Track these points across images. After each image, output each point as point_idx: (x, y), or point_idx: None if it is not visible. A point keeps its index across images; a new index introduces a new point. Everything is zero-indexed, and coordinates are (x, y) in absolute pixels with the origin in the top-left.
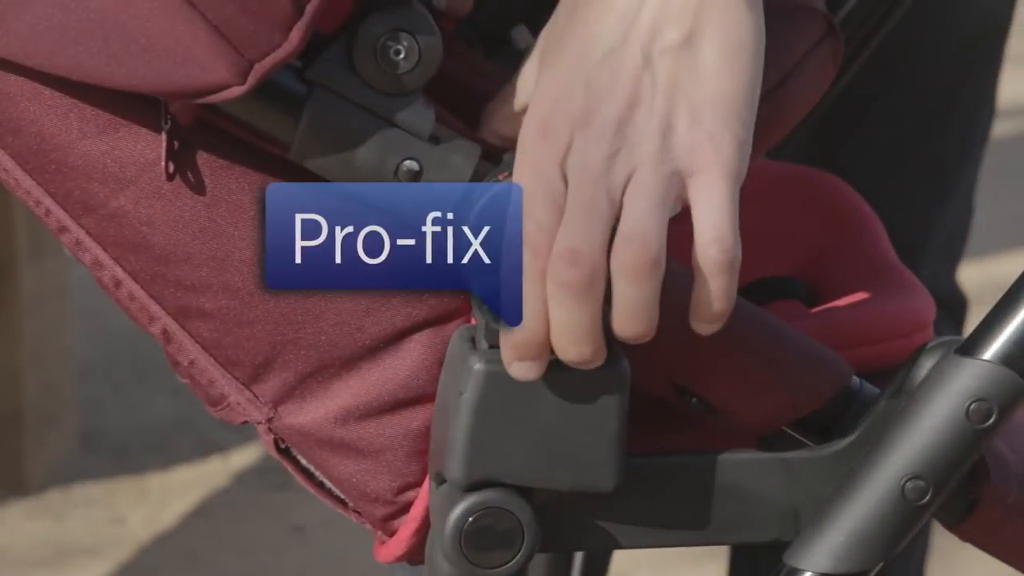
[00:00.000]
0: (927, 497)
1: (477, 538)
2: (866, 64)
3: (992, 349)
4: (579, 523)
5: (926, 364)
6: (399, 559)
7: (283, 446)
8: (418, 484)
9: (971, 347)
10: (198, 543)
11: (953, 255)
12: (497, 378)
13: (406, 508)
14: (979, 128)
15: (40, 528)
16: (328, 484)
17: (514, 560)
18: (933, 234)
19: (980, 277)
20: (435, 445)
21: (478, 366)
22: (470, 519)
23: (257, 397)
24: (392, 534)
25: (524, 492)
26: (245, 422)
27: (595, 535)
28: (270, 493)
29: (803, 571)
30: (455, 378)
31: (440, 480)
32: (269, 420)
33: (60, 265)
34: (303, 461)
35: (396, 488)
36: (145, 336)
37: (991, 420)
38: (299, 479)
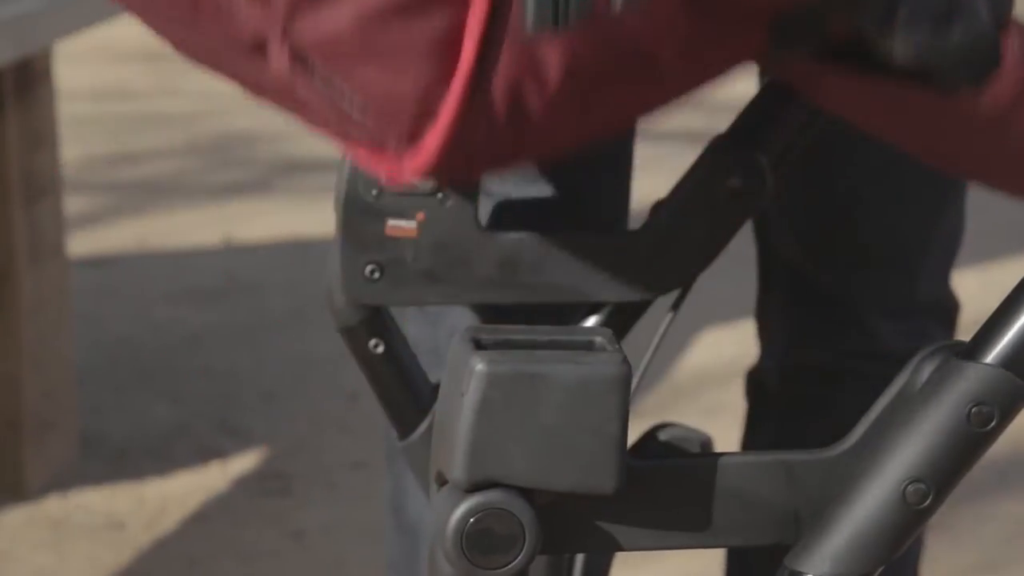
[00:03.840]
0: (928, 500)
1: (478, 539)
2: None
3: (993, 353)
4: (580, 525)
5: (927, 368)
6: (424, 172)
7: (298, 60)
8: (445, 87)
9: (972, 351)
10: (197, 549)
11: (950, 261)
12: (498, 379)
13: (432, 115)
14: None
15: (39, 533)
16: (345, 104)
17: (515, 561)
18: (933, 241)
19: (980, 282)
20: (437, 446)
21: (479, 367)
22: (471, 520)
23: (269, 3)
24: (418, 146)
25: (526, 493)
26: (260, 44)
27: (596, 537)
28: (269, 499)
29: (804, 574)
30: (457, 379)
31: (442, 481)
32: (284, 31)
33: (59, 270)
34: (319, 84)
35: (422, 89)
36: (145, 342)
37: (992, 424)
38: (309, 122)
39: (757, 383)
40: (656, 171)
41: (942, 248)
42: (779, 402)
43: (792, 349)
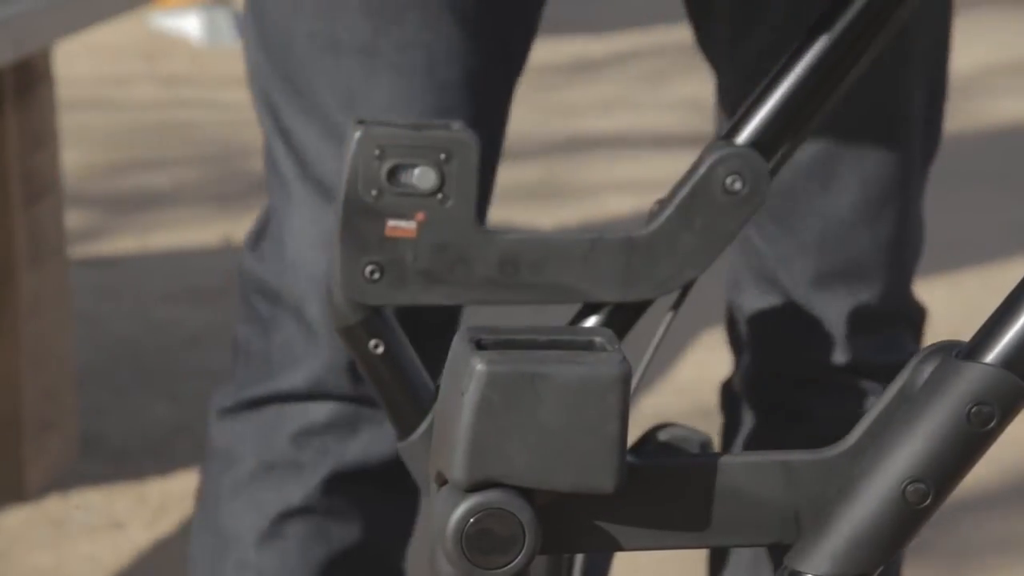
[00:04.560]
0: (928, 500)
1: (478, 539)
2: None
3: (994, 352)
4: (580, 525)
5: (927, 368)
6: None
7: None
8: None
9: (973, 351)
10: None
11: (913, 270)
12: (498, 378)
13: None
14: (930, 148)
15: (39, 534)
16: None
17: (515, 561)
18: (897, 253)
19: (979, 283)
20: (437, 446)
21: (480, 366)
22: (471, 520)
23: None
24: None
25: (525, 493)
26: None
27: (596, 537)
28: None
29: (804, 574)
30: (457, 378)
31: (442, 481)
32: None
33: (59, 270)
34: None
35: None
36: (145, 342)
37: (993, 423)
38: None
39: (731, 394)
40: (657, 172)
41: (906, 259)
42: (752, 413)
43: (763, 359)
